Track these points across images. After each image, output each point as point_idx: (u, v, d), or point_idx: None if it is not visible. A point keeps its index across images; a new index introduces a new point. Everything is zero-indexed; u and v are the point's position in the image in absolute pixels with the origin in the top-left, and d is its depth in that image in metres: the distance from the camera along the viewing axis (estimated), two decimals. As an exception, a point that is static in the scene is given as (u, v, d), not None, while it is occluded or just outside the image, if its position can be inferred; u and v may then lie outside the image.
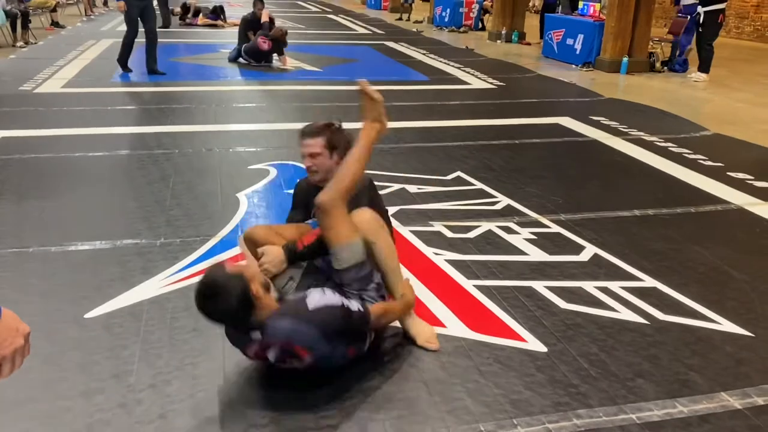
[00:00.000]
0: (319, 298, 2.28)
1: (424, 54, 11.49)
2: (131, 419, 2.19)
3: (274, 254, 2.54)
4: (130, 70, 8.59)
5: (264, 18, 9.85)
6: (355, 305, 2.36)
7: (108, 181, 4.58)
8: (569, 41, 10.88)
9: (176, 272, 3.20)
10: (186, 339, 2.64)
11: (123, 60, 8.58)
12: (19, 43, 10.97)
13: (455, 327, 2.82)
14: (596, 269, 3.40)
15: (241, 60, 9.73)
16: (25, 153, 5.04)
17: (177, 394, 2.32)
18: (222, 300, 2.11)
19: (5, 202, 4.05)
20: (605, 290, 3.17)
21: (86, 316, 2.79)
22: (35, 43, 11.24)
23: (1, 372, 1.24)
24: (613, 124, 6.56)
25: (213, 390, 2.35)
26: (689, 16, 9.71)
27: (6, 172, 4.60)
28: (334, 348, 2.29)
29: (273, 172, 4.81)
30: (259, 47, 9.48)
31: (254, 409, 2.26)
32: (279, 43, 9.56)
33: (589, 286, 3.21)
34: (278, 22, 11.58)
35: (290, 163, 4.98)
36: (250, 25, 9.88)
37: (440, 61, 10.68)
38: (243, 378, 2.42)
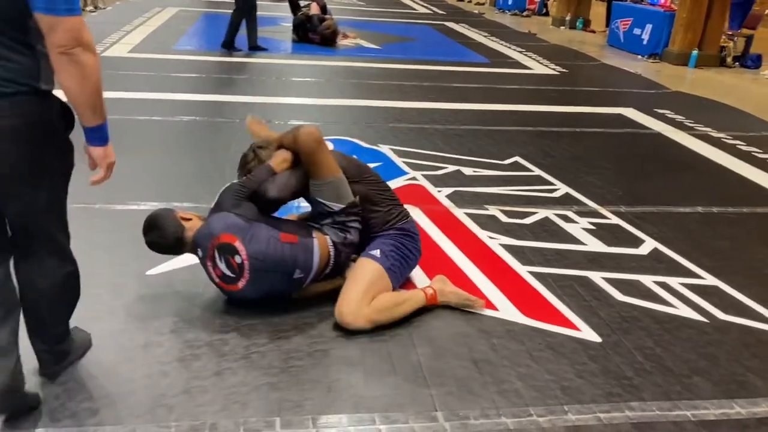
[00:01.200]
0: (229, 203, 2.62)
1: (485, 36, 11.33)
2: (189, 373, 2.26)
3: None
4: (239, 50, 8.41)
5: (313, 11, 9.58)
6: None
7: (170, 145, 4.69)
8: (636, 31, 10.55)
9: (234, 237, 3.26)
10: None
11: (231, 41, 8.36)
12: (89, 8, 11.26)
13: (508, 311, 2.80)
14: (655, 264, 3.32)
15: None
16: (93, 113, 5.18)
17: (231, 354, 2.38)
18: (160, 232, 2.58)
19: (75, 160, 4.18)
20: (664, 285, 3.10)
21: (148, 273, 2.88)
22: (104, 8, 11.54)
23: (109, 173, 2.11)
24: (679, 118, 6.36)
25: (267, 348, 2.40)
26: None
27: (75, 131, 4.74)
28: (258, 230, 2.53)
29: (329, 147, 4.83)
30: (310, 39, 9.42)
31: (313, 378, 2.31)
32: (327, 40, 9.45)
33: (648, 280, 3.14)
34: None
35: (345, 138, 5.01)
36: (302, 26, 9.59)
37: (501, 44, 10.52)
38: (305, 350, 2.46)
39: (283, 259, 2.51)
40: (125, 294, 2.72)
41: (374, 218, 2.78)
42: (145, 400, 2.12)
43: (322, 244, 2.62)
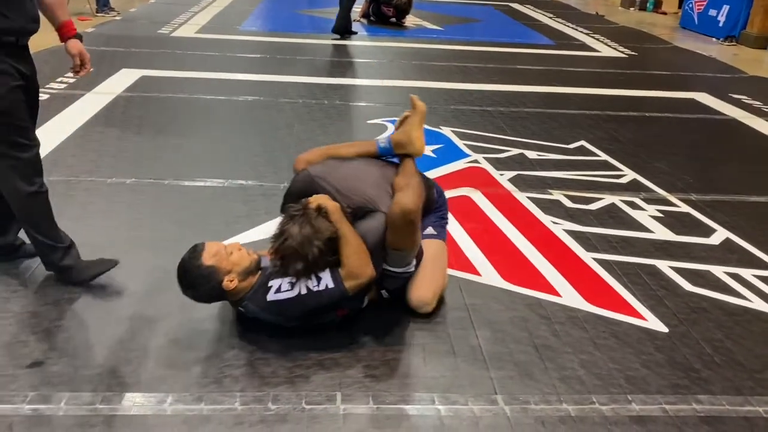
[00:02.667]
0: (275, 292, 2.26)
1: (550, 18, 11.05)
2: (253, 346, 2.31)
3: None
4: (356, 33, 8.32)
5: None
6: (324, 283, 2.24)
7: (236, 124, 4.78)
8: (712, 12, 10.08)
9: (297, 215, 3.31)
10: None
11: (347, 27, 8.15)
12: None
13: (570, 297, 2.75)
14: (727, 254, 3.19)
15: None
16: (162, 92, 5.34)
17: (295, 329, 2.42)
18: (194, 293, 2.30)
19: (145, 136, 4.33)
20: (736, 277, 2.98)
21: (215, 247, 2.96)
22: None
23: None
24: (756, 103, 6.06)
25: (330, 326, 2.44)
26: None
27: (145, 109, 4.91)
28: (306, 321, 2.34)
29: (390, 128, 4.83)
30: (384, 13, 9.44)
31: (373, 357, 2.33)
32: (402, 11, 9.40)
33: (719, 271, 3.02)
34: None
35: (409, 119, 4.98)
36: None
37: (567, 26, 10.24)
38: (365, 328, 2.48)
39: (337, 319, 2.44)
40: (193, 267, 2.80)
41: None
42: (212, 370, 2.19)
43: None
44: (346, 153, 2.62)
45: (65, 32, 2.49)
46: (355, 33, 8.30)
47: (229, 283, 2.25)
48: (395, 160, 2.65)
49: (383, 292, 2.60)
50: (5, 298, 2.51)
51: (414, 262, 2.46)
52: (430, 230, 2.68)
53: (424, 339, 2.42)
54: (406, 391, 2.15)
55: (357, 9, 9.03)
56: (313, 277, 2.24)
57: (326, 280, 2.24)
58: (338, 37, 8.06)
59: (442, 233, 2.71)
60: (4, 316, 2.40)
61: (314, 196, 2.35)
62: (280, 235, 2.23)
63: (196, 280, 2.25)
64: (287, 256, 2.20)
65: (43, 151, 3.93)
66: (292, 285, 2.24)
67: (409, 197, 2.30)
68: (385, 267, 2.39)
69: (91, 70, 2.60)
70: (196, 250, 2.29)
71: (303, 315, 2.30)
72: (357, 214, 2.35)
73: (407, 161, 2.59)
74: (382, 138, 2.67)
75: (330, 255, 2.24)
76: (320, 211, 2.26)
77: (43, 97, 4.94)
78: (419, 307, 2.51)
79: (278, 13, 10.01)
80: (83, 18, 8.58)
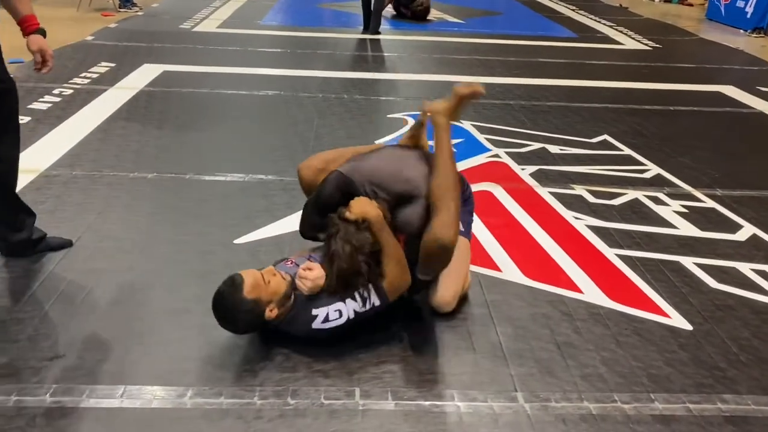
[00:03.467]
0: (322, 321, 2.19)
1: (573, 10, 10.92)
2: (273, 342, 2.31)
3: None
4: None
5: None
6: (372, 303, 2.22)
7: (256, 118, 4.80)
8: (740, 3, 9.88)
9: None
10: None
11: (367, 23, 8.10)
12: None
13: (593, 294, 2.72)
14: (754, 251, 3.13)
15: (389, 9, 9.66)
16: (183, 87, 5.37)
17: (314, 324, 2.42)
18: (235, 327, 2.21)
19: (167, 131, 4.36)
20: (763, 274, 2.92)
21: (235, 241, 2.97)
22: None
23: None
24: (785, 96, 5.93)
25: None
26: None
27: (167, 103, 4.94)
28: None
29: (410, 122, 4.80)
30: (402, 13, 9.37)
31: (392, 353, 2.32)
32: (419, 17, 9.31)
33: (745, 268, 2.96)
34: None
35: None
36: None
37: (590, 18, 10.11)
38: (384, 325, 2.46)
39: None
40: (212, 261, 2.81)
41: None
42: (231, 364, 2.20)
43: None
44: (355, 153, 2.55)
45: (27, 27, 2.42)
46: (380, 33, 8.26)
47: (270, 313, 2.17)
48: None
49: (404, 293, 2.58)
50: (27, 291, 2.54)
51: None
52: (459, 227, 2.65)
53: (444, 335, 2.41)
54: (425, 387, 2.14)
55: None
56: (358, 298, 2.20)
57: (373, 299, 2.22)
58: (371, 35, 7.97)
59: (467, 230, 2.67)
60: (27, 309, 2.43)
61: (354, 203, 2.25)
62: (331, 260, 2.18)
63: (239, 315, 2.15)
64: (344, 277, 2.17)
65: (67, 146, 4.01)
66: (340, 313, 2.19)
67: (446, 229, 2.19)
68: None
69: (52, 68, 2.48)
70: (234, 284, 2.13)
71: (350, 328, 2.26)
72: (399, 201, 2.30)
73: (442, 140, 2.41)
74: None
75: (375, 266, 2.22)
76: (362, 224, 2.20)
77: (66, 92, 5.02)
78: (440, 308, 2.49)
79: (299, 8, 10.01)
80: (106, 13, 8.67)
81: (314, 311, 2.19)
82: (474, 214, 2.78)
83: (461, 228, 2.62)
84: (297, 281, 2.23)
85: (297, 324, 2.23)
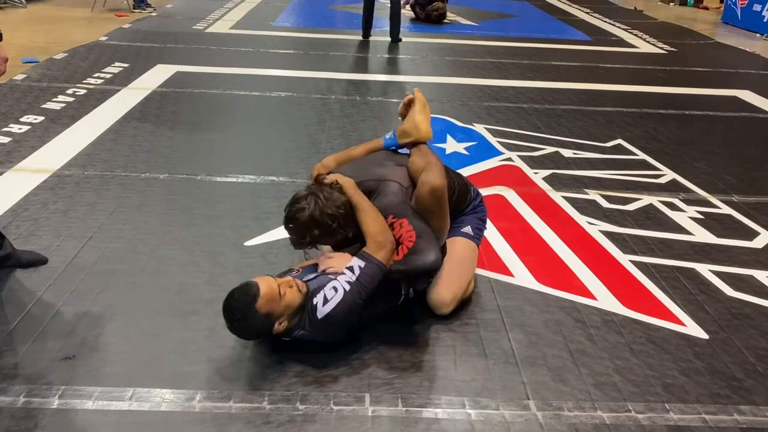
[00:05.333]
0: (323, 305, 2.16)
1: (587, 13, 10.86)
2: (283, 346, 2.30)
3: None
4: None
5: None
6: (357, 266, 2.20)
7: (268, 119, 4.79)
8: (756, 7, 9.78)
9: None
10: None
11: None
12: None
13: (607, 300, 2.68)
14: (771, 258, 3.08)
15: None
16: (196, 88, 5.38)
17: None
18: (243, 333, 2.20)
19: (179, 132, 4.37)
20: (781, 282, 2.87)
21: (246, 243, 2.96)
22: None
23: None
24: (803, 101, 5.86)
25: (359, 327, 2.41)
26: None
27: (179, 104, 4.95)
28: (373, 313, 2.33)
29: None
30: (417, 14, 9.36)
31: (403, 359, 2.30)
32: (433, 22, 9.26)
33: (762, 276, 2.92)
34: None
35: (440, 116, 4.93)
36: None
37: (605, 22, 10.04)
38: (395, 330, 2.46)
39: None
40: (223, 263, 2.80)
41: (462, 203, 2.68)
42: (241, 368, 2.19)
43: None
44: (357, 154, 2.63)
45: None
46: (401, 40, 8.17)
47: (279, 326, 2.15)
48: (406, 151, 2.62)
49: (410, 290, 2.56)
50: (38, 292, 2.54)
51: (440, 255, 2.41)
52: (468, 230, 2.63)
53: (455, 341, 2.38)
54: (436, 393, 2.12)
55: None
56: (346, 271, 2.21)
57: (356, 263, 2.21)
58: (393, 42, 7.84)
59: (478, 236, 2.66)
60: (36, 311, 2.43)
61: (330, 174, 2.41)
62: (294, 203, 2.29)
63: (250, 326, 2.13)
64: (300, 223, 2.25)
65: (79, 146, 4.02)
66: (335, 289, 2.18)
67: (434, 174, 2.32)
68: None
69: (4, 72, 2.42)
70: (250, 293, 2.09)
71: (361, 311, 2.22)
72: (371, 193, 2.37)
73: (419, 145, 2.56)
74: (388, 134, 2.65)
75: (348, 226, 2.27)
76: (334, 185, 2.31)
77: (79, 92, 5.03)
78: (437, 308, 2.47)
79: (312, 9, 10.02)
80: (120, 14, 8.72)
81: (314, 300, 2.19)
82: (487, 220, 2.75)
83: (471, 232, 2.61)
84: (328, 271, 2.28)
85: (306, 324, 2.20)
